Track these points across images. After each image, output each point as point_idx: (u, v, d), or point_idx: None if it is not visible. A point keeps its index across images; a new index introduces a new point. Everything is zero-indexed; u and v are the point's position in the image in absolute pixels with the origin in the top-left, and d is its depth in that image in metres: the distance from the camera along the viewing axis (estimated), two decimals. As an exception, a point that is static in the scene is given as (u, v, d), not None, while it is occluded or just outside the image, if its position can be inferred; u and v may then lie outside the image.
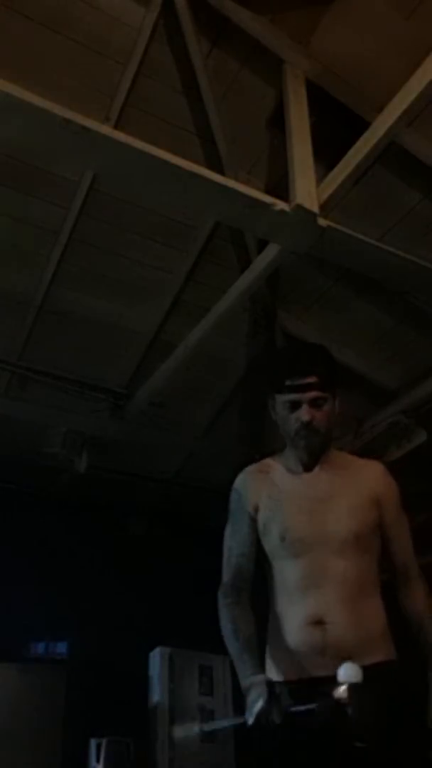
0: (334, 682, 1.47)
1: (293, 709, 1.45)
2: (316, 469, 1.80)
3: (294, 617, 1.65)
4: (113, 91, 2.76)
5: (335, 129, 2.77)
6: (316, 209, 2.54)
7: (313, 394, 1.72)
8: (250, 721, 1.43)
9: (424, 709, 1.60)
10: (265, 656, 1.70)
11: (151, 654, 4.66)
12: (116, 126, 2.72)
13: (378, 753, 1.48)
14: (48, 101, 2.16)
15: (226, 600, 1.74)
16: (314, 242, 2.68)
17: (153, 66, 2.73)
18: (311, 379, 1.72)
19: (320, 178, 2.61)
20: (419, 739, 1.56)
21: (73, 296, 3.63)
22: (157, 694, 4.50)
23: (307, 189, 2.52)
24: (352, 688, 1.40)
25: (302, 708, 1.45)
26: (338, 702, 1.40)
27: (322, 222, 2.59)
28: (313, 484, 1.77)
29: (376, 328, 3.82)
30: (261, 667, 1.60)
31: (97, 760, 4.13)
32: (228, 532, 1.82)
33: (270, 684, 1.49)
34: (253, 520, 1.78)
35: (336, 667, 1.49)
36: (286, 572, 1.70)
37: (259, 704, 1.43)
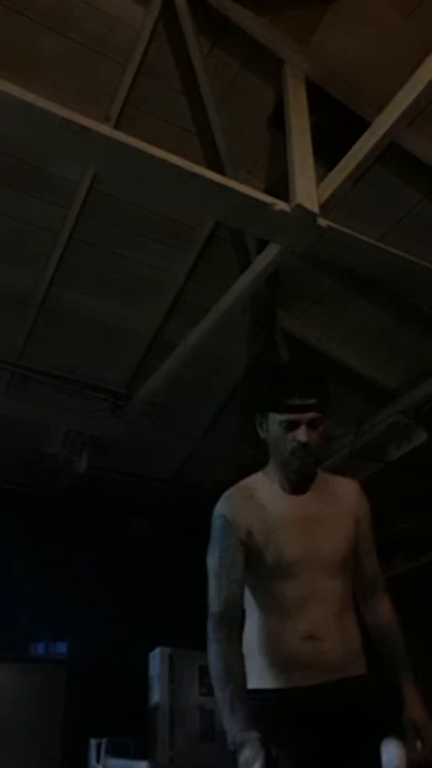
0: (322, 691, 1.59)
1: None
2: (307, 493, 1.80)
3: (285, 632, 1.68)
4: (113, 91, 2.76)
5: (335, 129, 2.77)
6: (316, 209, 2.53)
7: (312, 415, 1.70)
8: None
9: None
10: (249, 666, 1.64)
11: (151, 654, 4.66)
12: (116, 126, 2.71)
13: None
14: (48, 101, 2.16)
15: (216, 635, 1.64)
16: (314, 242, 2.67)
17: (153, 66, 2.73)
18: (312, 400, 1.71)
19: (320, 178, 2.61)
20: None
21: (73, 296, 3.63)
22: (157, 694, 4.50)
23: (307, 189, 2.52)
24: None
25: None
26: None
27: (322, 222, 2.59)
28: (303, 507, 1.78)
29: (376, 328, 3.82)
30: (252, 721, 1.48)
31: (97, 760, 4.13)
32: (215, 560, 1.73)
33: (266, 744, 1.41)
34: (245, 545, 1.72)
35: (325, 676, 1.63)
36: (278, 592, 1.72)
37: (257, 765, 1.36)
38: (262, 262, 2.98)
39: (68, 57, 2.65)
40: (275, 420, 1.73)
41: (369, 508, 1.87)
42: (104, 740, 4.18)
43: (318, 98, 2.71)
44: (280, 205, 2.51)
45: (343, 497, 1.84)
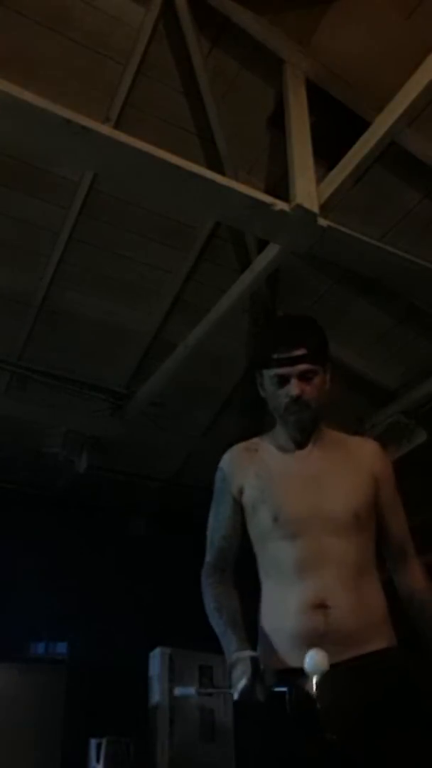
0: (338, 669, 1.42)
1: (276, 689, 1.43)
2: (309, 446, 1.71)
3: (292, 601, 1.56)
4: (113, 91, 2.76)
5: (335, 129, 2.77)
6: (316, 209, 2.54)
7: (302, 367, 1.63)
8: (235, 696, 1.41)
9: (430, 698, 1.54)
10: (259, 642, 1.62)
11: (151, 654, 4.66)
12: (116, 126, 2.71)
13: (362, 745, 1.44)
14: (48, 101, 2.16)
15: (208, 580, 1.70)
16: (314, 242, 2.67)
17: (153, 66, 2.73)
18: (300, 351, 1.63)
19: (320, 178, 2.61)
20: (423, 729, 1.48)
21: (73, 296, 3.63)
22: (157, 694, 4.50)
23: (307, 189, 2.52)
24: (320, 680, 1.37)
25: (281, 689, 1.43)
26: (308, 696, 1.37)
27: (322, 222, 2.59)
28: (306, 462, 1.69)
29: (376, 328, 3.82)
30: (247, 643, 1.52)
31: (97, 760, 4.13)
32: (211, 511, 1.76)
33: (254, 660, 1.43)
34: (237, 502, 1.71)
35: (337, 653, 1.45)
36: (281, 554, 1.61)
37: (243, 681, 1.39)
38: (262, 262, 2.98)
39: (68, 57, 2.65)
40: (267, 376, 1.68)
41: (392, 470, 1.76)
42: (104, 740, 4.18)
43: (318, 98, 2.71)
44: (280, 205, 2.52)
45: (358, 455, 1.73)
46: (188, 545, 5.41)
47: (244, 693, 1.38)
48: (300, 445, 1.72)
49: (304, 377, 1.64)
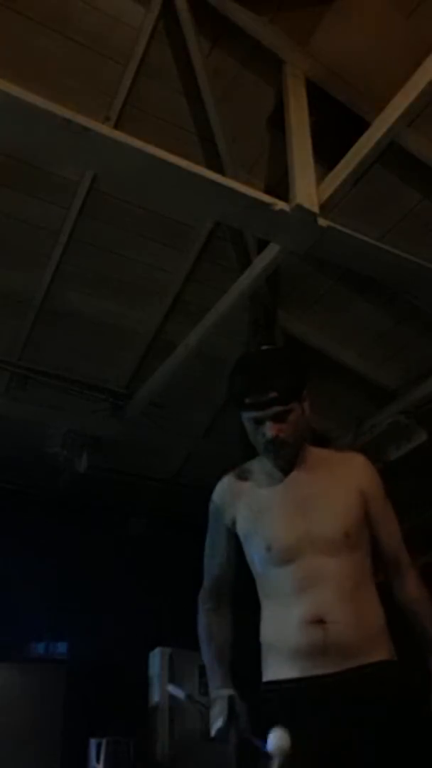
0: (337, 679, 1.51)
1: (247, 736, 1.49)
2: (295, 471, 1.75)
3: (292, 618, 1.60)
4: (113, 91, 2.76)
5: (335, 129, 2.77)
6: (316, 209, 2.53)
7: (274, 410, 1.65)
8: (212, 734, 1.50)
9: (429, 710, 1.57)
10: (263, 657, 1.67)
11: (151, 654, 4.66)
12: (116, 126, 2.72)
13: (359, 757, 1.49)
14: (48, 101, 2.16)
15: (204, 606, 1.78)
16: (314, 242, 2.67)
17: (153, 66, 2.73)
18: (272, 395, 1.64)
19: (320, 178, 2.61)
20: (420, 740, 1.53)
21: (73, 296, 3.63)
22: (157, 694, 4.50)
23: (307, 189, 2.52)
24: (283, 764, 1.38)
25: (256, 741, 1.45)
26: None
27: (322, 222, 2.59)
28: (293, 487, 1.73)
29: (376, 328, 3.82)
30: (228, 680, 1.63)
31: (97, 760, 4.13)
32: (207, 540, 1.83)
33: (231, 700, 1.52)
34: (231, 533, 1.77)
35: (338, 665, 1.52)
36: (278, 579, 1.66)
37: (219, 722, 1.49)
38: (262, 262, 2.98)
39: (68, 57, 2.64)
40: (244, 417, 1.73)
41: (380, 482, 1.78)
42: (104, 740, 4.18)
43: (318, 98, 2.71)
44: (280, 205, 2.51)
45: (345, 472, 1.76)
46: (188, 545, 5.41)
47: (218, 734, 1.49)
48: (285, 470, 1.76)
49: (278, 419, 1.66)
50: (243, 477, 1.82)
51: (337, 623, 1.55)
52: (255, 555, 1.71)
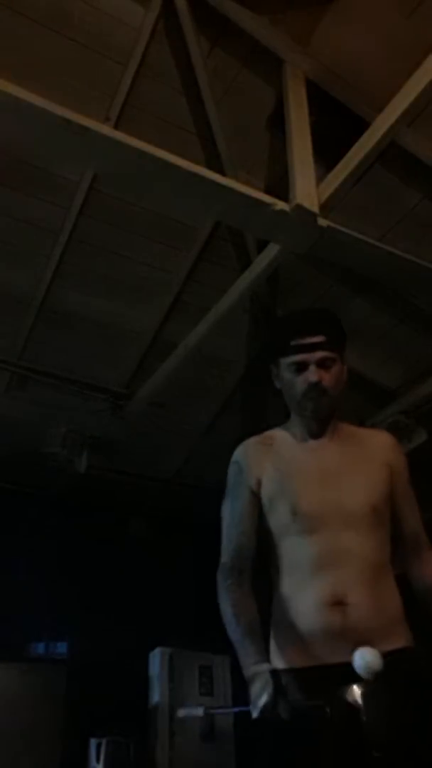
0: (350, 669, 1.37)
1: (302, 704, 1.33)
2: (325, 438, 1.69)
3: (308, 598, 1.52)
4: (113, 91, 2.76)
5: (335, 129, 2.77)
6: (316, 209, 2.53)
7: (320, 354, 1.63)
8: (255, 714, 1.32)
9: None
10: (270, 642, 1.57)
11: (151, 654, 4.66)
12: (116, 126, 2.72)
13: (400, 759, 1.35)
14: (48, 101, 2.16)
15: (226, 582, 1.59)
16: (314, 242, 2.67)
17: (153, 66, 2.73)
18: (318, 339, 1.63)
19: (320, 178, 2.61)
20: None
21: (73, 296, 3.63)
22: (157, 694, 4.50)
23: (307, 189, 2.52)
24: (369, 686, 1.26)
25: (312, 704, 1.33)
26: (351, 705, 1.27)
27: (322, 222, 2.59)
28: (322, 454, 1.67)
29: (376, 328, 3.82)
30: (265, 655, 1.47)
31: (97, 760, 4.13)
32: (227, 508, 1.69)
33: (275, 674, 1.36)
34: (255, 496, 1.65)
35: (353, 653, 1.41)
36: (298, 550, 1.57)
37: (264, 697, 1.32)
38: (262, 262, 2.98)
39: (68, 57, 2.64)
40: (285, 364, 1.67)
41: (405, 461, 1.74)
42: (104, 740, 4.18)
43: (318, 98, 2.71)
44: (280, 205, 2.51)
45: (373, 446, 1.72)
46: (188, 545, 5.45)
47: (265, 710, 1.31)
48: (315, 435, 1.70)
49: (322, 364, 1.64)
50: (268, 441, 1.74)
51: (356, 606, 1.48)
52: (277, 521, 1.61)
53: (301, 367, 1.64)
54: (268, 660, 1.45)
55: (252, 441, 1.76)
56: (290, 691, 1.35)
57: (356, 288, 3.58)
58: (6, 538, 4.77)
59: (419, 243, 3.07)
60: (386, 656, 1.39)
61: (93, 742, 4.22)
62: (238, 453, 1.74)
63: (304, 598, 1.53)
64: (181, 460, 4.99)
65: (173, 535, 5.36)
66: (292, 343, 1.65)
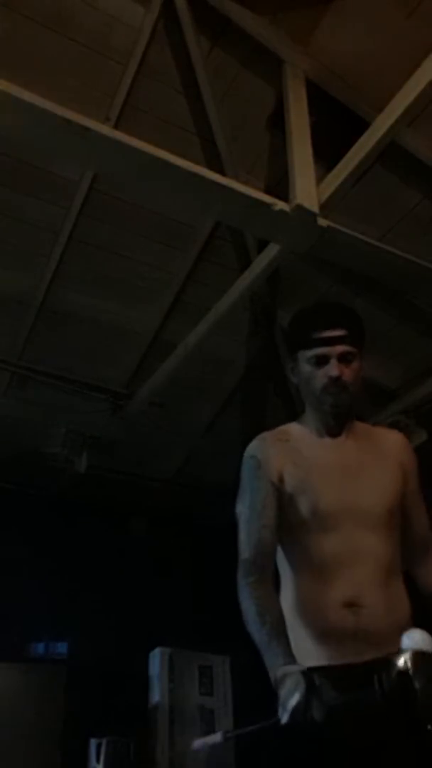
0: (363, 668, 1.36)
1: (340, 700, 1.22)
2: (342, 436, 1.67)
3: (322, 598, 1.50)
4: (113, 91, 2.76)
5: (335, 129, 2.77)
6: (316, 209, 2.53)
7: (342, 348, 1.59)
8: (285, 719, 1.21)
9: None
10: None
11: (151, 654, 4.66)
12: (116, 126, 2.72)
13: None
14: (48, 101, 2.16)
15: (248, 579, 1.50)
16: (314, 242, 2.67)
17: (153, 66, 2.73)
18: (340, 332, 1.59)
19: (320, 178, 2.61)
20: None
21: (73, 296, 3.63)
22: (157, 694, 4.50)
23: (307, 189, 2.52)
24: (419, 656, 1.20)
25: (351, 695, 1.24)
26: (402, 674, 1.19)
27: (322, 222, 2.59)
28: (341, 452, 1.64)
29: (376, 328, 3.82)
30: (293, 655, 1.37)
31: (97, 760, 4.13)
32: (245, 503, 1.61)
33: (307, 674, 1.27)
34: (277, 489, 1.59)
35: (365, 653, 1.41)
36: (314, 548, 1.55)
37: (296, 698, 1.21)
38: (262, 262, 2.98)
39: (68, 57, 2.65)
40: (304, 357, 1.63)
41: (416, 461, 1.72)
42: (104, 740, 4.18)
43: (318, 98, 2.71)
44: (280, 205, 2.51)
45: (388, 446, 1.70)
46: (188, 545, 5.44)
47: (296, 712, 1.20)
48: (333, 432, 1.67)
49: (343, 359, 1.60)
50: (283, 437, 1.69)
51: (369, 607, 1.48)
52: (295, 518, 1.57)
53: (321, 361, 1.60)
54: (296, 661, 1.36)
55: (267, 435, 1.71)
56: (324, 691, 1.24)
57: (356, 288, 3.58)
58: (6, 538, 4.77)
59: (419, 243, 3.07)
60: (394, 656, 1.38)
61: (93, 742, 4.22)
62: (255, 447, 1.68)
63: (318, 596, 1.52)
64: (181, 460, 4.99)
65: (173, 535, 5.36)
66: (314, 335, 1.61)
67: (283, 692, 1.25)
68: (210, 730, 4.42)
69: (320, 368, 1.61)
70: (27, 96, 2.12)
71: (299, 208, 2.50)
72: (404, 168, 2.95)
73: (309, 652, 1.48)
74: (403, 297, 3.58)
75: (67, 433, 4.42)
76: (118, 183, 2.96)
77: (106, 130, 2.32)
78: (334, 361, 1.60)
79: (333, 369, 1.59)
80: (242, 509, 1.61)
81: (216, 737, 1.38)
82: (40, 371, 4.01)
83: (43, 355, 3.95)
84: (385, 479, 1.63)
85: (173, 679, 4.53)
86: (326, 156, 2.68)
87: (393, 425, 4.10)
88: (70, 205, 3.15)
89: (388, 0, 2.46)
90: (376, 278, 3.22)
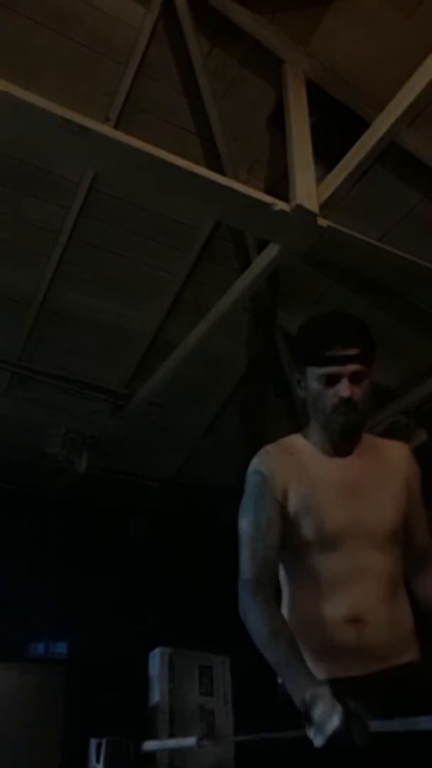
0: (366, 681, 1.39)
1: (377, 728, 1.17)
2: (349, 452, 1.64)
3: (326, 614, 1.50)
4: (113, 91, 2.76)
5: (335, 129, 2.77)
6: (316, 209, 2.53)
7: (354, 367, 1.56)
8: (320, 742, 1.17)
9: None
10: None
11: (151, 654, 4.66)
12: (116, 126, 2.72)
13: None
14: (48, 101, 2.16)
15: (254, 599, 1.47)
16: (314, 242, 2.67)
17: (153, 66, 2.73)
18: (353, 351, 1.57)
19: (320, 178, 2.61)
20: None
21: (73, 296, 3.63)
22: (157, 694, 4.49)
23: (307, 189, 2.52)
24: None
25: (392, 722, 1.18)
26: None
27: (322, 222, 2.59)
28: (347, 470, 1.61)
29: (376, 328, 3.80)
30: (314, 675, 1.34)
31: (97, 760, 4.13)
32: (249, 520, 1.57)
33: (341, 696, 1.21)
34: (281, 507, 1.56)
35: (367, 666, 1.42)
36: (318, 566, 1.54)
37: (335, 722, 1.15)
38: (262, 262, 2.98)
39: (68, 57, 2.65)
40: (314, 374, 1.58)
41: (419, 474, 1.71)
42: (104, 740, 4.17)
43: (318, 98, 2.71)
44: (280, 205, 2.51)
45: (393, 461, 1.67)
46: (188, 545, 5.44)
47: (335, 736, 1.15)
48: (340, 451, 1.64)
49: (355, 378, 1.57)
50: (288, 450, 1.65)
51: (372, 623, 1.48)
52: (300, 536, 1.55)
53: (332, 380, 1.56)
54: (317, 679, 1.32)
55: (272, 449, 1.67)
56: (362, 714, 1.19)
57: (356, 288, 3.58)
58: (6, 538, 4.77)
59: (419, 243, 3.07)
60: (396, 670, 1.44)
61: (93, 742, 4.21)
62: (259, 462, 1.64)
63: (322, 613, 1.51)
64: (181, 460, 4.99)
65: (173, 535, 5.35)
66: (326, 353, 1.56)
67: (317, 714, 1.20)
68: (210, 731, 4.42)
69: (331, 387, 1.57)
70: (27, 96, 2.12)
71: (299, 208, 2.50)
72: (404, 168, 2.95)
73: (315, 665, 1.45)
74: (403, 297, 3.58)
75: (67, 433, 4.41)
76: (118, 183, 2.96)
77: (106, 130, 2.32)
78: (345, 381, 1.56)
79: (344, 389, 1.55)
80: (246, 527, 1.58)
81: (190, 741, 1.37)
82: (40, 371, 4.01)
83: (43, 355, 3.95)
84: (390, 498, 1.61)
85: (173, 679, 4.53)
86: (326, 156, 2.68)
87: (393, 425, 4.10)
88: (70, 205, 3.15)
89: (388, 0, 2.46)
90: (376, 278, 3.22)
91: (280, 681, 1.45)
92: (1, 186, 3.03)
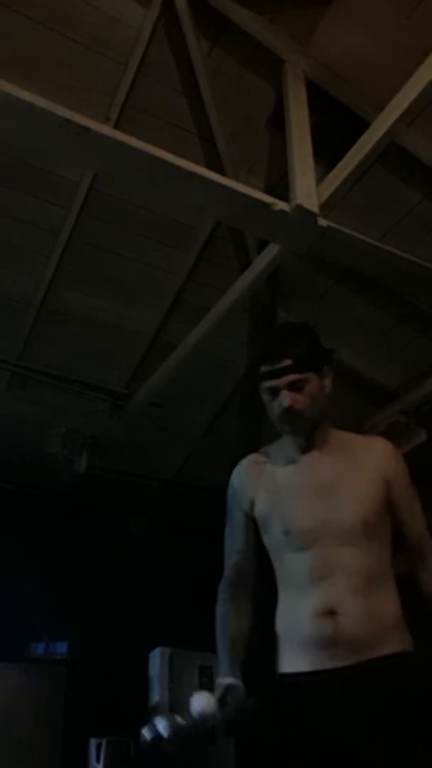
0: (348, 673, 1.49)
1: (234, 721, 1.50)
2: (315, 452, 1.72)
3: (304, 608, 1.59)
4: (113, 91, 2.76)
5: (335, 129, 2.77)
6: (316, 209, 2.53)
7: (289, 378, 1.66)
8: (192, 716, 1.52)
9: None
10: (278, 647, 1.67)
11: (151, 654, 4.66)
12: (116, 126, 2.72)
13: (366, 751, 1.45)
14: (48, 101, 2.16)
15: (222, 595, 1.75)
16: (314, 242, 2.67)
17: (153, 66, 2.73)
18: (286, 363, 1.66)
19: (320, 178, 2.61)
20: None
21: (73, 296, 3.63)
22: (157, 694, 4.49)
23: (307, 189, 2.52)
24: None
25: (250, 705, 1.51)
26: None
27: (322, 222, 2.59)
28: (313, 470, 1.70)
29: (376, 328, 3.82)
30: (237, 669, 1.62)
31: (97, 760, 4.13)
32: (226, 528, 1.81)
33: (226, 689, 1.53)
34: (248, 517, 1.75)
35: (347, 658, 1.51)
36: (294, 566, 1.64)
37: (201, 704, 1.51)
38: (262, 262, 2.98)
39: (68, 57, 2.65)
40: (262, 389, 1.73)
41: (404, 466, 1.75)
42: (104, 740, 4.17)
43: (318, 98, 2.71)
44: (280, 205, 2.51)
45: (367, 456, 1.73)
46: (188, 545, 5.44)
47: (199, 717, 1.49)
48: (304, 450, 1.74)
49: (293, 387, 1.67)
50: (262, 460, 1.81)
51: (347, 615, 1.54)
52: (272, 539, 1.70)
53: (273, 392, 1.69)
54: (235, 675, 1.59)
55: (246, 462, 1.84)
56: (295, 694, 1.52)
57: (356, 288, 3.58)
58: (6, 538, 4.77)
59: (419, 243, 3.07)
60: (377, 660, 1.51)
61: (93, 742, 4.22)
62: (233, 475, 1.83)
63: (300, 608, 1.61)
64: (181, 460, 4.99)
65: (173, 535, 5.35)
66: (263, 369, 1.70)
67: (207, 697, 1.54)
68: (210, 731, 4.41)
69: (274, 399, 1.69)
70: (27, 96, 2.12)
71: (299, 208, 2.50)
72: (404, 168, 2.95)
73: (295, 660, 1.60)
74: (403, 297, 3.58)
75: (67, 433, 4.41)
76: (118, 183, 2.96)
77: (106, 130, 2.32)
78: (285, 392, 1.67)
79: (284, 400, 1.67)
80: (226, 533, 1.81)
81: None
82: (40, 371, 4.01)
83: (43, 355, 3.95)
84: (361, 492, 1.65)
85: (173, 679, 4.53)
86: (326, 156, 2.68)
87: (393, 425, 4.11)
88: (70, 205, 3.15)
89: (388, 0, 2.46)
90: (376, 278, 3.22)
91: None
92: (1, 186, 3.03)
